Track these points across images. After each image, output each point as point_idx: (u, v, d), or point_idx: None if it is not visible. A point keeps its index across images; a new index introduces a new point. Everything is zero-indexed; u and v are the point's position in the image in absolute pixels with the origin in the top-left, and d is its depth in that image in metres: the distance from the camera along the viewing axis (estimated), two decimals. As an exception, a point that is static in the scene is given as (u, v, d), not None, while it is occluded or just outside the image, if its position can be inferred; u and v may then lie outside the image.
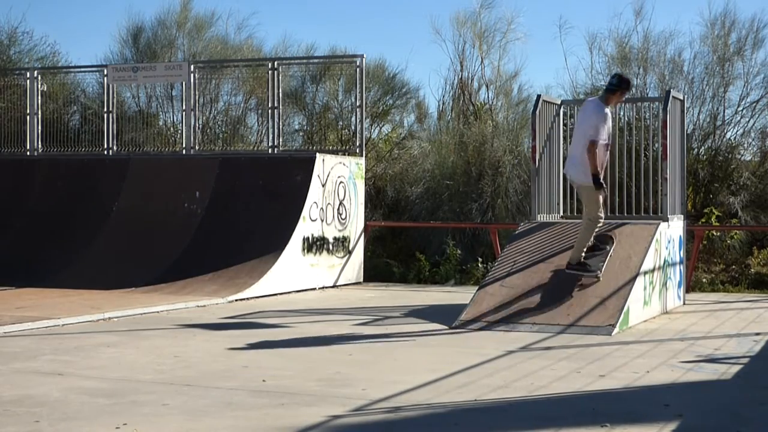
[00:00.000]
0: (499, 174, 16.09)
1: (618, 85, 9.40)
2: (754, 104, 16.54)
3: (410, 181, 16.94)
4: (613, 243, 9.94)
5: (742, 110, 16.55)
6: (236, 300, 11.55)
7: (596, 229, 9.56)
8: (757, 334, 8.88)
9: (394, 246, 16.18)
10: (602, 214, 9.52)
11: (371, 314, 10.42)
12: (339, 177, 14.04)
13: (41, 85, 16.44)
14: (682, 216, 11.41)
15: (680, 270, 11.26)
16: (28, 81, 16.43)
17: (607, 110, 9.36)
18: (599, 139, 9.21)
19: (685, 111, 12.47)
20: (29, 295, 11.55)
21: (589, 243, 9.62)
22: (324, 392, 6.05)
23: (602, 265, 9.59)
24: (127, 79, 16.46)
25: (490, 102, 17.89)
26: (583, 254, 9.51)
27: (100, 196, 14.46)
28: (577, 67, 29.01)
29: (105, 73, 16.17)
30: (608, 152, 9.55)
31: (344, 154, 14.80)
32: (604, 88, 9.59)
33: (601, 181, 9.37)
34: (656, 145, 11.75)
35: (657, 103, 11.84)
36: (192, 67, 15.65)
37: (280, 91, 15.27)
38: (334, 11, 34.42)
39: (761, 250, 14.99)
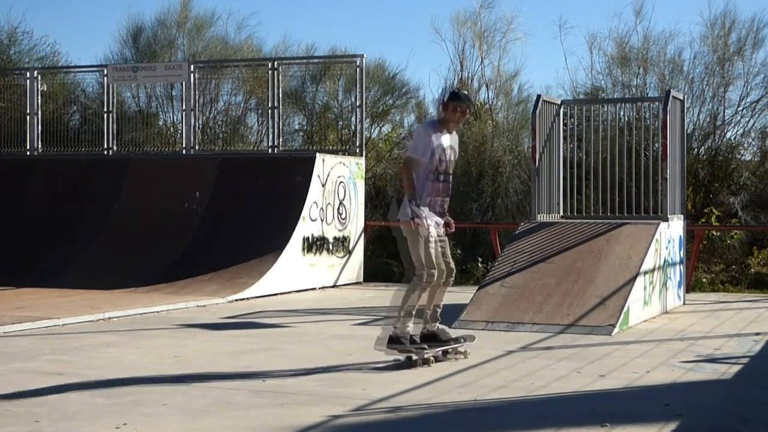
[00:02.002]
0: (499, 174, 16.09)
1: (444, 100, 7.22)
2: (754, 104, 16.55)
3: (410, 181, 16.91)
4: (471, 341, 7.44)
5: (742, 110, 16.58)
6: (236, 300, 11.55)
7: (419, 290, 6.93)
8: (757, 334, 8.88)
9: (394, 246, 16.14)
10: (434, 269, 6.91)
11: (371, 314, 10.42)
12: (339, 177, 14.04)
13: (41, 85, 16.44)
14: (682, 216, 11.41)
15: (680, 270, 11.27)
16: (28, 81, 16.43)
17: (431, 127, 7.10)
18: (415, 156, 6.96)
19: (685, 111, 12.47)
20: (29, 295, 11.55)
21: (435, 328, 7.18)
22: (324, 392, 6.05)
23: (436, 350, 7.06)
24: (127, 79, 16.46)
25: (490, 102, 17.91)
26: (409, 325, 6.97)
27: (100, 196, 14.45)
28: (577, 67, 29.13)
29: (105, 73, 16.17)
30: (445, 185, 7.08)
31: (344, 154, 14.80)
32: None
33: (417, 210, 6.85)
34: (656, 145, 11.75)
35: (657, 103, 11.85)
36: (192, 67, 15.64)
37: (280, 91, 15.27)
38: (334, 11, 34.42)
39: (761, 250, 15.00)
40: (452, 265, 7.20)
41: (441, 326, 7.25)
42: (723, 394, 6.14)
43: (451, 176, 7.15)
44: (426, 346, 6.99)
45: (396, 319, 6.99)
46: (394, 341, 6.96)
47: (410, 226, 6.87)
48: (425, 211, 6.91)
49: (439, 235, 7.08)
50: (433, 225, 6.96)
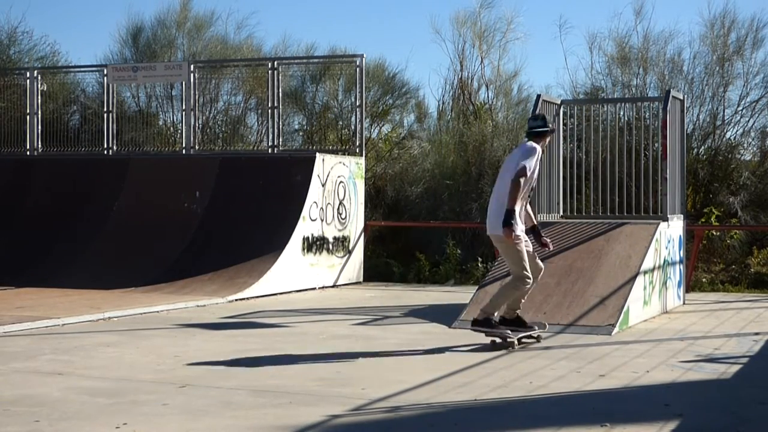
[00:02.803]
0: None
1: (546, 126, 7.90)
2: (754, 104, 16.55)
3: (410, 181, 16.95)
4: (545, 328, 8.27)
5: (741, 110, 16.57)
6: (236, 300, 11.55)
7: (524, 291, 7.82)
8: (757, 333, 8.89)
9: (394, 246, 16.18)
10: (530, 273, 7.71)
11: (371, 314, 10.42)
12: (339, 177, 14.04)
13: (41, 84, 16.44)
14: (682, 216, 11.41)
15: (680, 270, 11.27)
16: (28, 81, 16.44)
17: (538, 148, 7.77)
18: (529, 169, 7.59)
19: (685, 111, 12.47)
20: (29, 295, 11.55)
21: (513, 315, 7.96)
22: (324, 392, 6.06)
23: (519, 335, 7.94)
24: (127, 79, 16.46)
25: (490, 102, 17.91)
26: (496, 315, 7.88)
27: (100, 196, 14.46)
28: (577, 67, 29.14)
29: (105, 72, 16.18)
30: (529, 198, 7.96)
31: (344, 154, 14.80)
32: (533, 132, 7.85)
33: (513, 222, 7.53)
34: (656, 145, 11.75)
35: (657, 103, 11.85)
36: (192, 66, 15.65)
37: (280, 90, 15.28)
38: (334, 11, 34.45)
39: (761, 249, 15.00)
40: (541, 264, 7.97)
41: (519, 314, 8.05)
42: (723, 394, 6.14)
43: None
44: (509, 331, 7.82)
45: (490, 306, 7.84)
46: (482, 324, 7.82)
47: (509, 242, 7.60)
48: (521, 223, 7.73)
49: (525, 241, 7.84)
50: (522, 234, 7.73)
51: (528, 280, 7.73)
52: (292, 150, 16.15)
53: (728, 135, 16.65)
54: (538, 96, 11.34)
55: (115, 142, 16.01)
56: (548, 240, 8.06)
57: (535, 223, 8.05)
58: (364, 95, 15.09)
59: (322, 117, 17.75)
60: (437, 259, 15.19)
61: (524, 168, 7.52)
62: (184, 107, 15.70)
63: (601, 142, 11.79)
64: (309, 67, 17.26)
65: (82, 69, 17.78)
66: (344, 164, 14.25)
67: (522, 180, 7.53)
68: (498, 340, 7.88)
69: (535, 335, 8.13)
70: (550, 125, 8.12)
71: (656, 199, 11.07)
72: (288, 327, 9.35)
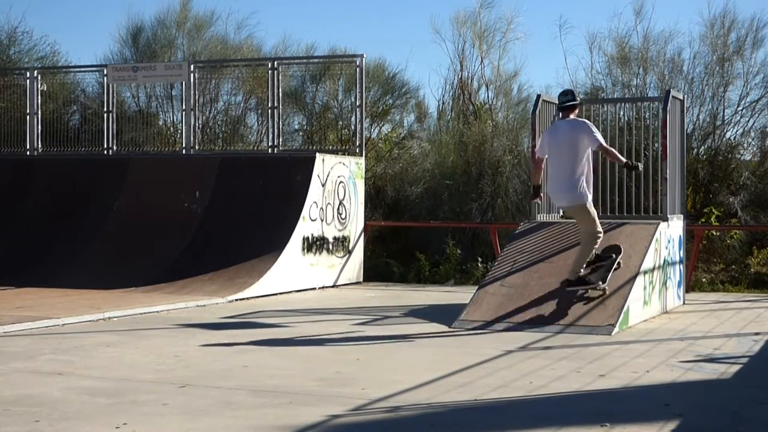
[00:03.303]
0: (499, 174, 16.09)
1: (575, 99, 9.55)
2: (754, 104, 16.55)
3: (410, 181, 16.95)
4: (620, 252, 9.68)
5: (741, 110, 16.57)
6: (236, 300, 11.56)
7: (596, 245, 9.34)
8: (757, 333, 8.89)
9: (394, 246, 16.18)
10: (600, 229, 9.30)
11: (371, 314, 10.42)
12: (339, 177, 14.04)
13: (41, 84, 16.44)
14: (682, 216, 11.41)
15: (680, 270, 11.27)
16: (27, 81, 16.44)
17: (586, 121, 9.55)
18: (602, 142, 9.30)
19: (685, 111, 12.47)
20: (29, 295, 11.55)
21: (592, 257, 9.43)
22: (324, 392, 6.06)
23: (607, 275, 9.32)
24: (127, 79, 16.46)
25: (490, 102, 17.90)
26: (582, 270, 9.27)
27: (100, 196, 14.45)
28: (577, 67, 29.08)
29: (105, 72, 16.18)
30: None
31: (344, 154, 14.80)
32: (567, 106, 9.49)
33: (632, 164, 9.60)
34: (656, 145, 11.75)
35: (657, 103, 11.85)
36: (192, 66, 15.65)
37: (280, 90, 15.28)
38: (334, 11, 34.46)
39: (761, 249, 15.00)
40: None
41: (600, 253, 9.63)
42: (723, 394, 6.14)
43: None
44: (600, 283, 9.22)
45: (576, 266, 9.17)
46: (575, 283, 9.15)
47: (585, 209, 9.28)
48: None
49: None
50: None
51: (600, 234, 9.25)
52: (292, 150, 16.15)
53: (728, 135, 16.67)
54: (538, 96, 11.34)
55: (115, 142, 16.01)
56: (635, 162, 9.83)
57: (624, 159, 9.59)
58: (364, 95, 15.09)
59: (322, 117, 17.75)
60: (437, 259, 15.19)
61: (599, 142, 9.23)
62: (184, 107, 15.70)
63: (601, 142, 11.77)
64: (309, 67, 17.27)
65: (82, 69, 17.78)
66: (344, 164, 14.25)
67: (606, 145, 9.41)
68: (599, 292, 9.26)
69: (617, 261, 9.55)
70: (578, 98, 9.70)
71: (656, 199, 11.07)
72: (288, 327, 9.35)
